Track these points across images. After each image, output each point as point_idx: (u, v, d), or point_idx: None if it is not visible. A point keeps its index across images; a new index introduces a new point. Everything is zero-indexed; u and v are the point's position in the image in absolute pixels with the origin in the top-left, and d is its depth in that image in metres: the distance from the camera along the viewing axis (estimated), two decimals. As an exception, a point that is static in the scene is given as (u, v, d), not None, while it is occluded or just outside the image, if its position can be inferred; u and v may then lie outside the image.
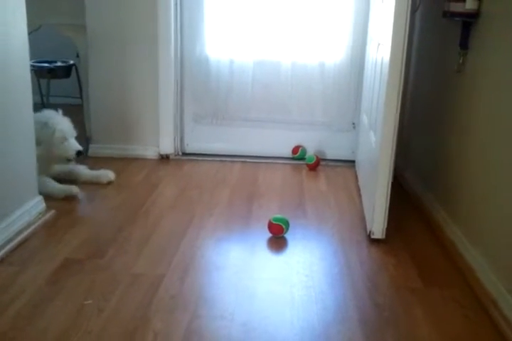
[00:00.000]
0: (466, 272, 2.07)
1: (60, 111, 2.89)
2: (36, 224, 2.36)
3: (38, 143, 2.52)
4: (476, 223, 2.10)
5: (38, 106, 3.44)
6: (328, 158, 3.57)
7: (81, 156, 2.91)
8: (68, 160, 2.87)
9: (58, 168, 2.92)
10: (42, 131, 2.65)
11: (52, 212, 2.50)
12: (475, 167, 2.16)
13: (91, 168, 3.04)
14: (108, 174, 3.01)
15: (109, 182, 2.99)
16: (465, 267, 2.09)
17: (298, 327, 1.72)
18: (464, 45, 2.31)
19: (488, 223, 1.99)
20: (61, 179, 2.84)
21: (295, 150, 3.55)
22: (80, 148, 2.87)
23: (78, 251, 2.18)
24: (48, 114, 2.84)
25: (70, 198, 2.72)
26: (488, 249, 1.97)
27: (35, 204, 2.42)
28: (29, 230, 2.29)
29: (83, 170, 3.00)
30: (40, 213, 2.44)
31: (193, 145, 3.62)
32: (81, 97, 3.75)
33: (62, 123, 2.82)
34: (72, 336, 1.63)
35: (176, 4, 3.30)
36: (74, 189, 2.76)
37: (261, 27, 3.38)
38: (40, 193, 2.51)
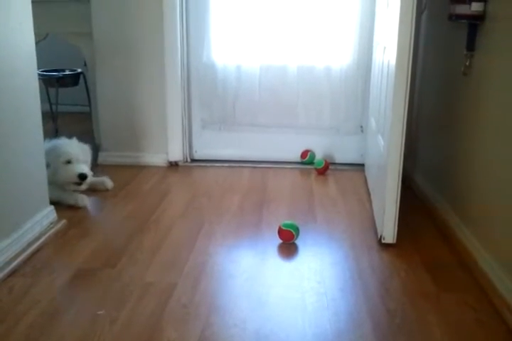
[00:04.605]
0: (479, 277, 2.06)
1: (75, 138, 2.91)
2: (48, 234, 2.37)
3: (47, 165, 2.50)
4: (489, 226, 2.08)
5: (48, 114, 3.46)
6: (337, 161, 3.57)
7: (85, 181, 2.79)
8: (76, 184, 2.79)
9: None
10: (49, 154, 2.60)
11: (63, 222, 2.51)
12: (483, 169, 2.15)
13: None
14: (105, 182, 3.03)
15: (107, 190, 3.01)
16: (478, 272, 2.07)
17: (310, 334, 1.72)
18: (471, 47, 2.30)
19: (501, 227, 1.97)
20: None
21: (304, 154, 3.55)
22: (83, 171, 2.77)
23: (90, 260, 2.19)
24: (60, 140, 2.88)
25: (80, 207, 2.74)
26: (501, 253, 1.95)
27: (47, 215, 2.43)
28: (41, 240, 2.31)
29: None
30: (51, 223, 2.45)
31: (201, 152, 3.63)
32: (89, 105, 3.77)
33: (70, 147, 2.82)
34: (86, 346, 1.64)
35: (181, 11, 3.32)
36: (84, 199, 2.77)
37: (266, 32, 3.38)
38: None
